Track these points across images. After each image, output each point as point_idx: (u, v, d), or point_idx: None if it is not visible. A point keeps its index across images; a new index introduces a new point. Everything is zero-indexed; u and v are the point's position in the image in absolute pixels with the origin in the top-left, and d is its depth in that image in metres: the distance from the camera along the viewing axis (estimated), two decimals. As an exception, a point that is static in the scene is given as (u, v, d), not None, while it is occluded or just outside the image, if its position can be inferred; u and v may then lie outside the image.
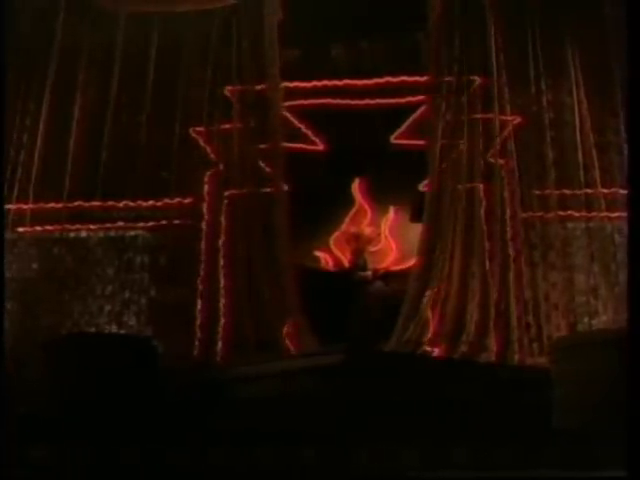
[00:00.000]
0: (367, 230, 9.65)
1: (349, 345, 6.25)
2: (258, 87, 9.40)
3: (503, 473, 5.28)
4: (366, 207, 9.72)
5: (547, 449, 5.37)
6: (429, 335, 8.91)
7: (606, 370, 5.70)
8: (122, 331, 8.57)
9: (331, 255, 9.65)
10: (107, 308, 8.74)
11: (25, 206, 8.98)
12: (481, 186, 9.04)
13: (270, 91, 9.30)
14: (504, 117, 9.13)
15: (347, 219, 9.71)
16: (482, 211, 8.93)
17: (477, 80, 9.22)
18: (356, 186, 9.72)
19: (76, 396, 5.64)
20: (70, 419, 5.54)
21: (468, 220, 8.84)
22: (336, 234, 9.64)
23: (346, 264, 9.65)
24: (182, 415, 5.95)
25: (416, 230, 9.62)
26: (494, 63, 9.06)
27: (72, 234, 9.05)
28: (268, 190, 9.24)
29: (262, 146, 9.34)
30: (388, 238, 9.66)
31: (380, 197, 9.68)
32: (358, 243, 9.58)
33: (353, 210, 9.74)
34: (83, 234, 9.10)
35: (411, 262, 9.45)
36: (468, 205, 8.88)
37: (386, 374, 6.11)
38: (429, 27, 9.18)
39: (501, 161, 9.02)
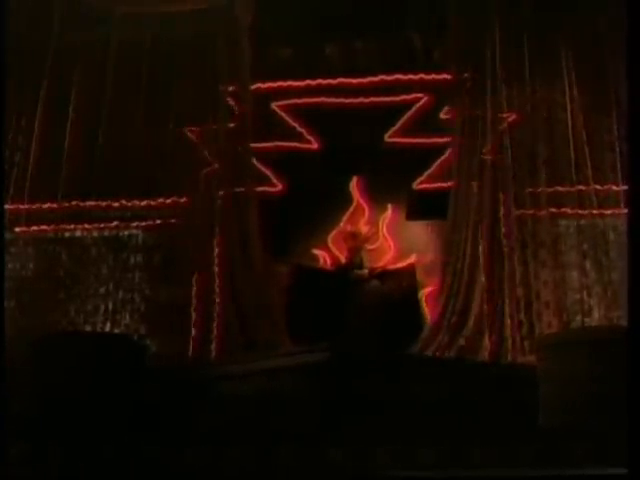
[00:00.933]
0: (364, 228, 9.65)
1: (334, 343, 6.23)
2: (253, 86, 9.49)
3: (487, 472, 5.30)
4: (364, 205, 9.70)
5: (531, 447, 5.39)
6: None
7: (592, 368, 5.71)
8: (117, 330, 8.59)
9: (329, 253, 9.64)
10: (103, 307, 8.74)
11: (21, 206, 9.04)
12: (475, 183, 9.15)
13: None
14: (499, 114, 9.15)
15: (345, 217, 9.69)
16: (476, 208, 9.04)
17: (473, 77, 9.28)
18: (354, 184, 9.70)
19: (60, 395, 5.67)
20: (53, 418, 5.59)
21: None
22: (334, 232, 9.62)
23: (343, 262, 9.65)
24: (166, 413, 5.99)
25: (413, 229, 9.66)
26: (498, 60, 9.08)
27: (68, 234, 9.06)
28: (262, 189, 9.34)
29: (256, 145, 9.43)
30: (386, 236, 9.65)
31: (377, 195, 9.67)
32: (355, 241, 9.58)
33: (351, 208, 9.73)
34: (79, 234, 9.10)
35: (408, 261, 9.48)
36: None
37: (372, 373, 6.11)
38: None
39: (495, 158, 9.06)
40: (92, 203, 9.08)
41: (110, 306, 8.70)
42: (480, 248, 8.77)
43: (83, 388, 5.82)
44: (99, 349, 6.00)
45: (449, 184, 9.10)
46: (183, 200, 9.30)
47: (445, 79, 9.27)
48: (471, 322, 8.51)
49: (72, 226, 9.04)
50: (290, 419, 5.67)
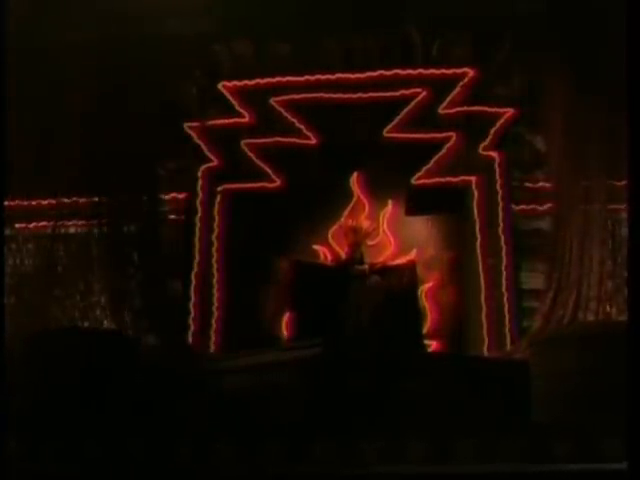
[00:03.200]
0: (365, 223, 9.63)
1: (328, 338, 6.25)
2: (252, 82, 9.52)
3: (481, 468, 5.31)
4: (364, 200, 9.70)
5: (525, 442, 5.40)
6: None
7: (584, 363, 5.72)
8: (117, 325, 8.62)
9: (330, 249, 9.64)
10: (102, 303, 8.78)
11: (21, 202, 9.10)
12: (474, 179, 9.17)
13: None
14: (499, 109, 9.15)
15: (345, 213, 9.69)
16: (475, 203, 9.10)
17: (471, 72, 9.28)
18: (354, 180, 9.70)
19: (53, 391, 5.72)
20: (48, 414, 5.63)
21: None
22: (334, 228, 9.62)
23: (343, 257, 9.65)
24: (161, 409, 6.02)
25: (413, 224, 9.64)
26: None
27: (67, 230, 9.10)
28: (261, 185, 9.38)
29: (255, 141, 9.46)
30: (386, 232, 9.64)
31: (378, 191, 9.66)
32: (356, 237, 9.55)
33: (351, 204, 9.72)
34: (78, 230, 9.14)
35: (409, 256, 9.47)
36: None
37: (365, 368, 6.12)
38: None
39: (493, 154, 9.07)
40: (91, 199, 9.11)
41: (109, 302, 8.74)
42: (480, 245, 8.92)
43: (77, 384, 5.86)
44: (93, 345, 6.04)
45: (447, 179, 9.17)
46: (182, 196, 9.39)
47: (444, 74, 9.25)
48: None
49: (71, 222, 9.09)
50: (281, 414, 5.70)
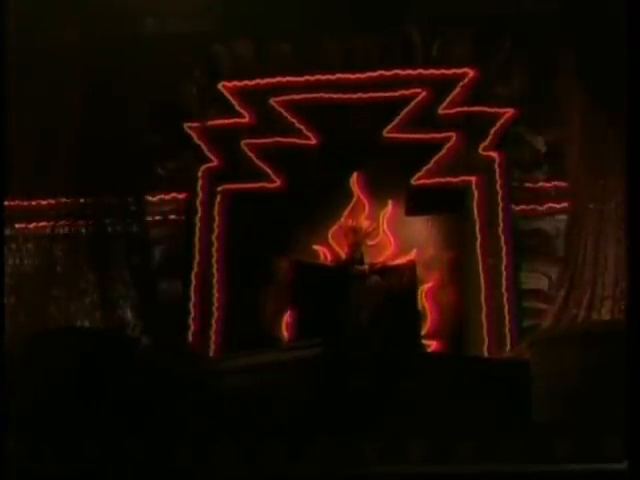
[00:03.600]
0: (365, 223, 9.64)
1: (328, 338, 6.24)
2: (252, 82, 9.53)
3: (482, 467, 5.30)
4: (364, 200, 9.70)
5: (525, 442, 5.39)
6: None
7: (585, 362, 5.70)
8: (116, 325, 8.61)
9: (329, 249, 9.66)
10: (101, 303, 8.76)
11: (21, 203, 9.10)
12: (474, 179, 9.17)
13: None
14: (499, 109, 9.16)
15: (345, 213, 9.70)
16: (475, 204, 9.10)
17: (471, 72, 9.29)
18: (354, 180, 9.71)
19: (52, 391, 5.72)
20: (47, 414, 5.63)
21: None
22: (334, 228, 9.63)
23: (343, 257, 9.65)
24: (160, 409, 6.01)
25: (413, 224, 9.65)
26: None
27: (67, 230, 9.07)
28: (261, 185, 9.39)
29: (255, 141, 9.47)
30: (386, 232, 9.65)
31: (377, 191, 9.67)
32: (356, 237, 9.58)
33: (351, 204, 9.73)
34: (78, 230, 9.10)
35: (409, 256, 9.48)
36: None
37: (365, 368, 6.11)
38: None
39: (493, 154, 9.08)
40: (91, 199, 9.07)
41: (109, 302, 8.72)
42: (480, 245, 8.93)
43: (77, 384, 5.86)
44: (92, 345, 6.04)
45: (447, 179, 9.18)
46: (182, 196, 9.40)
47: (444, 74, 9.25)
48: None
49: (71, 222, 9.06)
50: (281, 414, 5.69)
